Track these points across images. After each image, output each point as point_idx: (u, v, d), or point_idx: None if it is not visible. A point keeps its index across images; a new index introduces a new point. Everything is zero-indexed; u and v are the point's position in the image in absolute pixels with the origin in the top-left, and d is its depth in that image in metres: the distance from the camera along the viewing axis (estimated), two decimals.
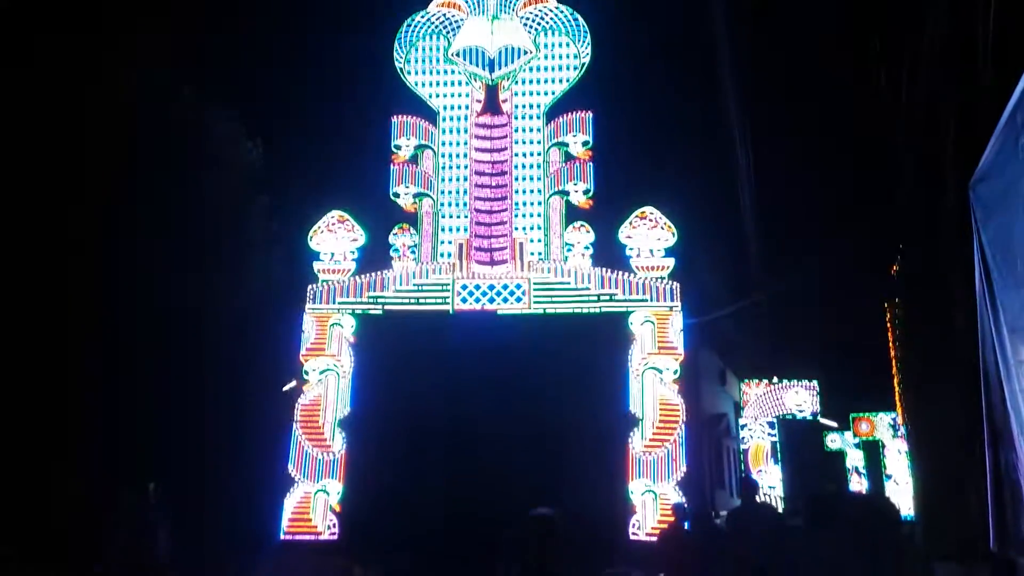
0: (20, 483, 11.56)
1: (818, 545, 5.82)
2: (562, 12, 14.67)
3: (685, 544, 8.18)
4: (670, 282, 13.24)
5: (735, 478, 19.88)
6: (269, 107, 16.46)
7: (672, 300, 13.14)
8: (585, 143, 14.18)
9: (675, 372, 12.88)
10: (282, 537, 12.43)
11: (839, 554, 5.69)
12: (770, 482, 19.20)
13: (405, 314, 13.46)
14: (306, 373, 13.30)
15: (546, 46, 14.53)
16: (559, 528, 6.81)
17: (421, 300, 13.54)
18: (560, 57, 14.51)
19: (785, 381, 19.95)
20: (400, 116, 14.39)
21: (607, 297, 13.27)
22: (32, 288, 12.28)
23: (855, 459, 21.52)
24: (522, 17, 14.70)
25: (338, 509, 12.70)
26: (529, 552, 6.72)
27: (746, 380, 20.36)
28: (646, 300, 13.16)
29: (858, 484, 21.09)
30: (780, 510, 16.66)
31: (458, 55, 14.58)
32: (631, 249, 13.48)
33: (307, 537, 12.50)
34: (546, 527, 6.80)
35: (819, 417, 20.14)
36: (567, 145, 14.24)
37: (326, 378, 13.27)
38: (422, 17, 14.81)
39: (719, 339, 19.49)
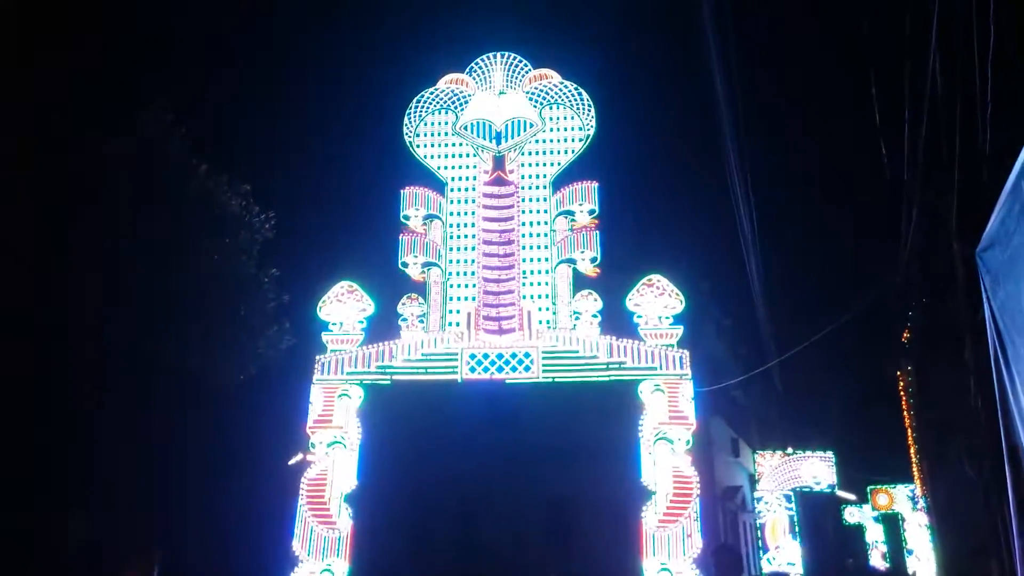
0: (25, 553, 11.47)
1: None
2: (566, 87, 15.23)
3: None
4: (679, 350, 13.30)
5: (754, 555, 19.41)
6: (281, 181, 16.94)
7: (682, 368, 13.17)
8: (591, 211, 14.49)
9: (687, 442, 12.79)
10: None
11: None
12: (789, 558, 18.71)
13: (413, 384, 13.52)
14: (312, 446, 13.27)
15: (551, 119, 15.03)
16: None
17: (429, 369, 13.60)
18: (565, 129, 14.97)
19: (800, 452, 19.63)
20: (409, 187, 14.77)
21: (616, 365, 13.31)
22: (34, 353, 12.39)
23: (875, 533, 21.01)
24: (527, 92, 15.25)
25: None
26: None
27: (760, 451, 20.15)
28: (655, 368, 13.20)
29: (879, 559, 20.54)
30: None
31: (466, 128, 15.07)
32: (639, 317, 13.61)
33: None
34: None
35: (836, 490, 19.73)
36: (573, 214, 14.56)
37: (333, 451, 13.24)
38: (431, 93, 15.38)
39: (731, 408, 19.36)
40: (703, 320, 16.45)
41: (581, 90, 15.12)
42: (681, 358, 13.24)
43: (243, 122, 15.97)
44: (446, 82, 15.46)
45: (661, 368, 13.20)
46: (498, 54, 15.47)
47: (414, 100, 15.28)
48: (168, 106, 14.39)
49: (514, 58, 15.41)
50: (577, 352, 13.47)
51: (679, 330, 13.49)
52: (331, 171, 17.09)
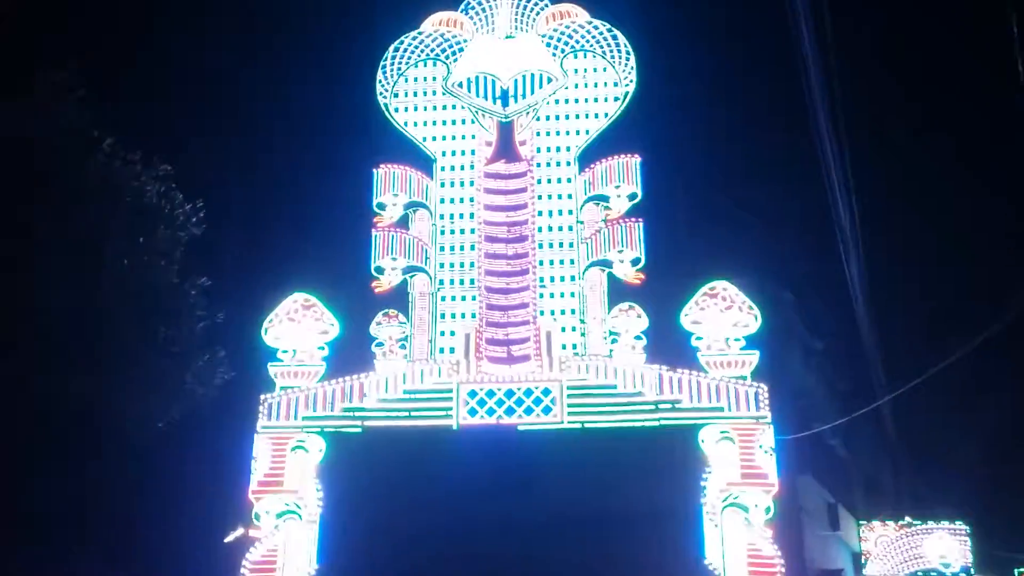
0: None
1: None
2: (597, 28, 15.06)
3: None
4: (754, 384, 13.11)
5: None
6: (214, 159, 16.86)
7: (758, 409, 12.94)
8: (632, 196, 14.28)
9: (767, 510, 12.54)
10: None
11: None
12: None
13: (393, 432, 13.37)
14: (257, 517, 13.09)
15: (577, 71, 14.84)
16: None
17: (414, 412, 13.45)
18: (596, 85, 14.78)
19: (923, 522, 19.33)
20: (385, 166, 14.62)
21: (668, 405, 13.10)
22: None
23: None
24: (544, 35, 15.10)
25: None
26: None
27: (868, 521, 19.86)
28: (722, 409, 12.99)
29: None
30: None
31: (461, 85, 14.93)
32: (699, 339, 13.39)
33: None
34: None
35: (973, 572, 19.41)
36: (608, 200, 14.39)
37: (284, 524, 13.06)
38: (413, 39, 15.28)
39: (826, 464, 19.03)
40: (787, 343, 16.12)
41: (617, 32, 14.93)
42: (757, 395, 13.02)
43: (161, 79, 15.90)
44: (433, 23, 15.32)
45: (730, 408, 12.98)
46: None
47: (391, 48, 15.11)
48: (64, 65, 14.28)
49: None
50: (615, 387, 13.29)
51: (754, 357, 13.26)
52: (280, 145, 16.99)
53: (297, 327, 13.91)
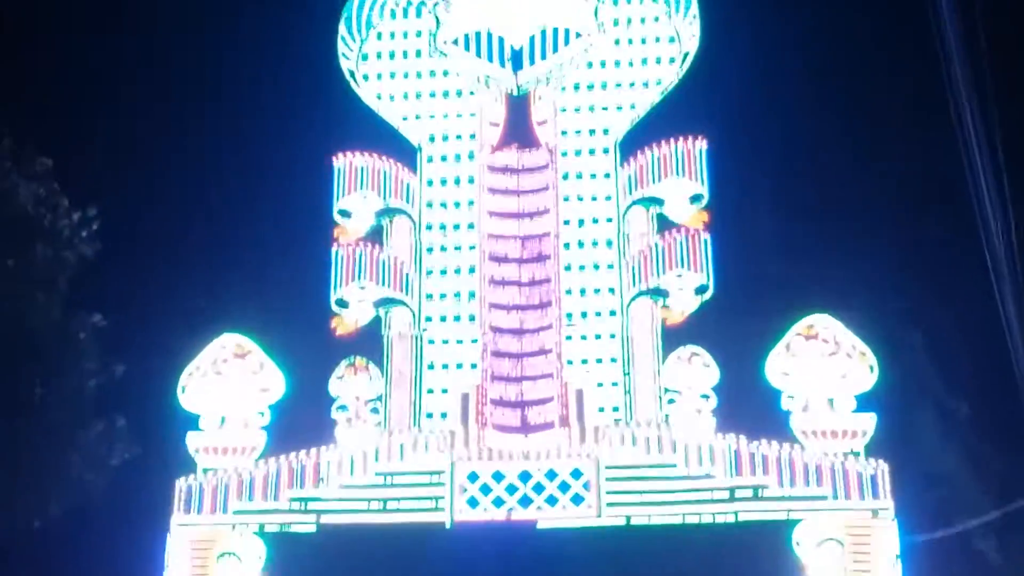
0: None
1: None
2: None
3: None
4: (872, 462, 13.27)
5: None
6: (113, 148, 17.02)
7: (876, 497, 13.11)
8: (695, 198, 14.55)
9: None
10: None
11: None
12: None
13: (361, 532, 13.53)
14: None
15: (617, 23, 15.14)
16: None
17: (390, 504, 13.61)
18: (644, 42, 15.08)
19: None
20: (347, 155, 14.88)
21: (749, 492, 13.26)
22: None
23: None
24: None
25: None
26: None
27: None
28: (825, 498, 13.15)
29: None
30: None
31: (455, 44, 15.21)
32: (791, 397, 13.58)
33: None
34: None
35: None
36: (662, 203, 14.63)
37: None
38: None
39: (975, 573, 19.09)
40: (916, 405, 16.18)
41: None
42: (874, 478, 13.17)
43: (36, 42, 16.18)
44: None
45: (836, 497, 13.13)
46: None
47: None
48: None
49: None
50: (673, 467, 13.43)
51: (870, 423, 13.44)
52: (204, 129, 17.11)
53: (226, 383, 14.09)
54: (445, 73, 15.31)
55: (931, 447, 15.98)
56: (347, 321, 14.51)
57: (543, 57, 15.06)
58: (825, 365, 13.60)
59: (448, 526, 13.45)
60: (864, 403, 13.54)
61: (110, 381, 15.33)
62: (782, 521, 13.13)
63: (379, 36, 15.39)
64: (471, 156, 15.02)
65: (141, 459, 14.96)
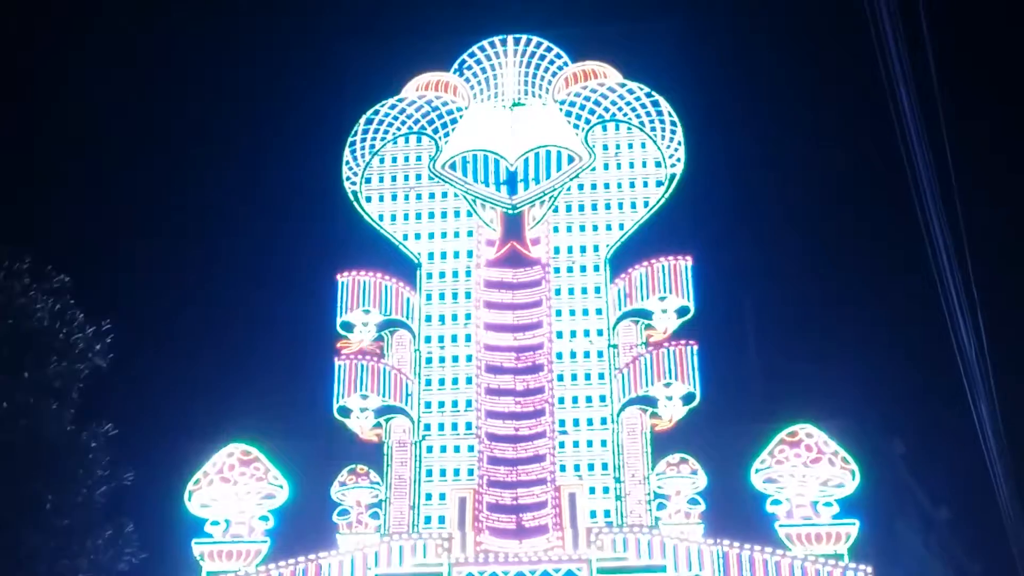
0: None
1: None
2: (633, 93, 15.89)
3: None
4: (855, 567, 13.26)
5: None
6: (127, 267, 17.19)
7: None
8: (682, 311, 14.76)
9: None
10: None
11: None
12: None
13: None
14: None
15: (607, 148, 15.58)
16: None
17: None
18: (632, 166, 15.50)
19: None
20: (351, 272, 15.14)
21: None
22: None
23: None
24: (564, 102, 15.90)
25: None
26: None
27: None
28: None
29: None
30: None
31: (454, 167, 15.63)
32: (776, 503, 13.74)
33: None
34: None
35: None
36: (651, 315, 14.86)
37: None
38: (391, 108, 16.10)
39: None
40: (898, 511, 16.24)
41: (659, 97, 15.73)
42: None
43: (53, 153, 16.48)
44: (418, 88, 16.14)
45: None
46: (510, 38, 16.25)
47: (362, 120, 15.91)
48: None
49: (538, 44, 16.16)
50: (663, 569, 13.43)
51: (852, 528, 13.55)
52: (214, 247, 17.39)
53: (232, 489, 14.23)
54: (444, 195, 15.65)
55: (913, 551, 15.99)
56: (353, 428, 14.66)
57: (536, 179, 15.43)
58: (808, 471, 13.73)
59: None
60: (846, 508, 13.62)
61: (119, 488, 15.26)
62: None
63: (381, 160, 15.80)
64: (468, 273, 15.30)
65: (149, 564, 14.87)
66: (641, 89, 15.83)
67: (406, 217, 15.60)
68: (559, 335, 14.95)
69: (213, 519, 14.24)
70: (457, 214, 15.61)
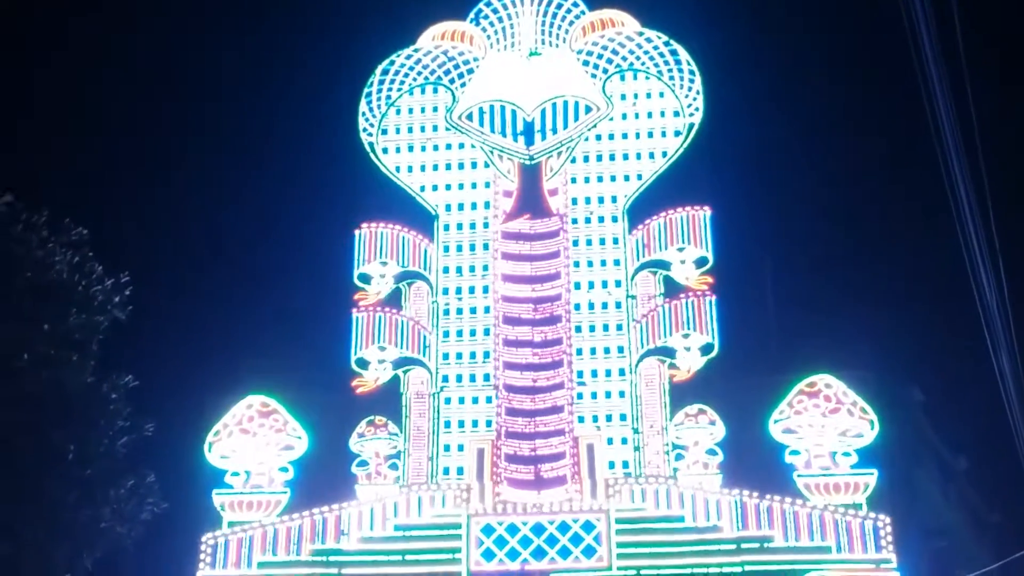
0: None
1: None
2: (651, 42, 15.60)
3: None
4: (873, 515, 13.17)
5: None
6: (145, 218, 17.17)
7: (878, 550, 12.99)
8: (700, 261, 14.62)
9: None
10: None
11: None
12: None
13: None
14: None
15: (624, 98, 15.32)
16: None
17: (409, 556, 13.58)
18: (650, 116, 15.25)
19: None
20: (369, 225, 15.07)
21: (755, 545, 13.17)
22: None
23: None
24: (581, 52, 15.65)
25: None
26: None
27: None
28: (828, 550, 13.05)
29: None
30: None
31: (471, 118, 15.43)
32: (795, 453, 13.59)
33: None
34: None
35: None
36: (669, 266, 14.71)
37: None
38: (407, 58, 15.89)
39: None
40: (916, 460, 16.09)
41: (677, 46, 15.47)
42: (876, 530, 13.07)
43: (71, 112, 16.37)
44: (434, 37, 15.95)
45: (840, 549, 13.03)
46: None
47: (378, 71, 15.71)
48: None
49: None
50: (680, 520, 13.38)
51: (871, 477, 13.40)
52: (231, 199, 17.28)
53: (252, 441, 14.18)
54: (460, 146, 15.46)
55: (931, 501, 15.88)
56: (367, 381, 14.59)
57: (554, 130, 15.26)
58: (827, 421, 13.59)
59: None
60: (865, 458, 13.51)
61: (141, 439, 15.27)
62: (787, 572, 13.06)
63: (397, 111, 15.61)
64: (486, 224, 15.16)
65: (170, 514, 14.88)
66: (659, 38, 15.58)
67: (423, 168, 15.43)
68: (577, 286, 14.82)
69: (233, 470, 14.23)
70: (474, 165, 15.42)
